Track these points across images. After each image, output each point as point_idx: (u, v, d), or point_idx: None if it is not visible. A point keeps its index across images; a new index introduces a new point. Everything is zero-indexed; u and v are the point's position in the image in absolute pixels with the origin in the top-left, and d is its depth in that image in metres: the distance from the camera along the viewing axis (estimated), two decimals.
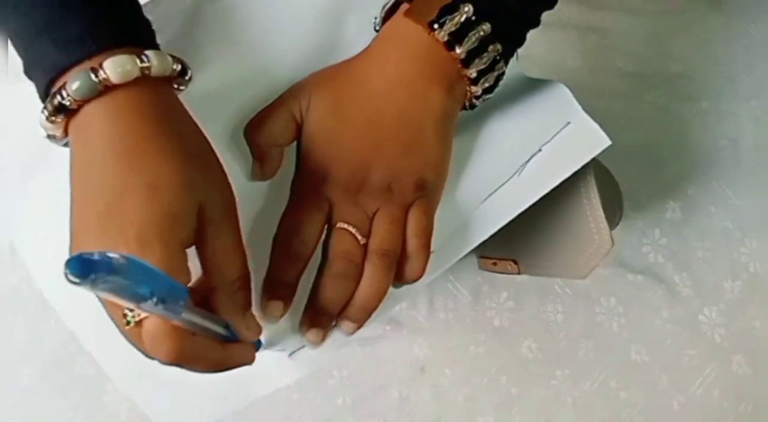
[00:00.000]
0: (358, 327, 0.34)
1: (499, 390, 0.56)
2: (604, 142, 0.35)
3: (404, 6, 0.34)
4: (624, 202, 0.54)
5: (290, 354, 0.35)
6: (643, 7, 0.62)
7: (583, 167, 0.35)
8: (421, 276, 0.35)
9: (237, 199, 0.32)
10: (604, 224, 0.38)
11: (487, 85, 0.35)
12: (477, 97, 0.35)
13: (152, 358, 0.27)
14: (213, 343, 0.29)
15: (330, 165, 0.34)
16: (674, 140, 0.60)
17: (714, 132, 0.61)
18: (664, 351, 0.57)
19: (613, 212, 0.50)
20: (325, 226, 0.35)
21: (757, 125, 0.61)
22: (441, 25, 0.33)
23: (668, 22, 0.62)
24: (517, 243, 0.45)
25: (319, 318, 0.34)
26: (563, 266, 0.41)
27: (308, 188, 0.34)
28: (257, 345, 0.33)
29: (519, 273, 0.47)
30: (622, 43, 0.61)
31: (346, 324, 0.34)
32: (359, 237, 0.33)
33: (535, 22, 0.36)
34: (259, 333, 0.32)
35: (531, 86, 0.38)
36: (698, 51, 0.62)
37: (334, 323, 0.35)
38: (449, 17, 0.33)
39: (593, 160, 0.36)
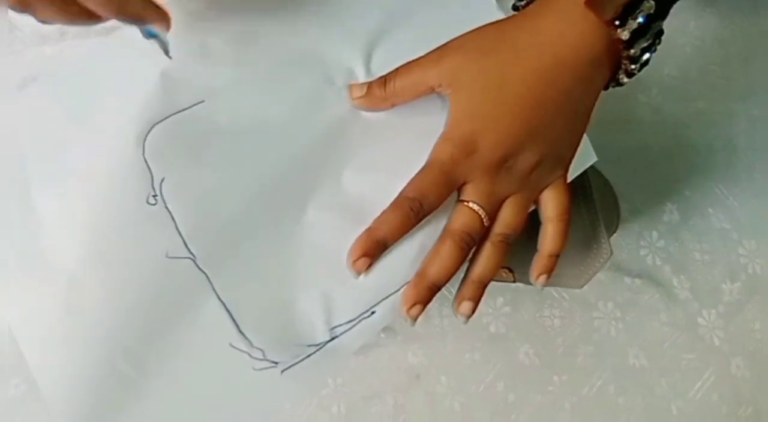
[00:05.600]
0: (474, 307, 0.34)
1: (496, 397, 0.56)
2: (590, 157, 0.35)
3: None
4: (620, 205, 0.54)
5: (282, 372, 0.34)
6: None
7: (581, 176, 0.35)
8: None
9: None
10: (603, 233, 0.37)
11: (643, 60, 0.34)
12: (630, 75, 0.35)
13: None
14: None
15: (479, 142, 0.32)
16: (670, 141, 0.60)
17: (710, 132, 0.60)
18: (662, 355, 0.57)
19: (611, 219, 0.49)
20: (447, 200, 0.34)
21: (753, 125, 0.60)
22: (623, 24, 0.32)
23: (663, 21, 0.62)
24: (513, 252, 0.45)
25: (422, 293, 0.33)
26: (560, 275, 0.40)
27: (447, 159, 0.33)
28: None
29: (514, 282, 0.46)
30: None
31: (464, 306, 0.34)
32: (485, 219, 0.33)
33: None
34: None
35: None
36: (693, 51, 0.61)
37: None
38: (632, 16, 0.32)
39: (590, 167, 0.35)
